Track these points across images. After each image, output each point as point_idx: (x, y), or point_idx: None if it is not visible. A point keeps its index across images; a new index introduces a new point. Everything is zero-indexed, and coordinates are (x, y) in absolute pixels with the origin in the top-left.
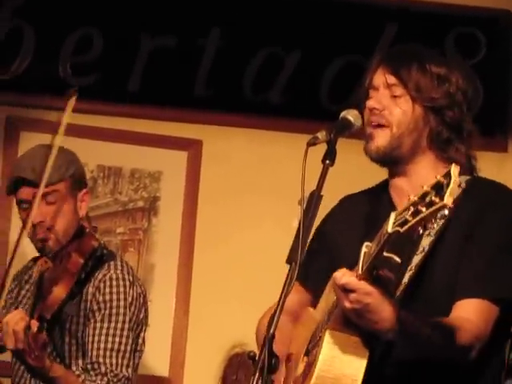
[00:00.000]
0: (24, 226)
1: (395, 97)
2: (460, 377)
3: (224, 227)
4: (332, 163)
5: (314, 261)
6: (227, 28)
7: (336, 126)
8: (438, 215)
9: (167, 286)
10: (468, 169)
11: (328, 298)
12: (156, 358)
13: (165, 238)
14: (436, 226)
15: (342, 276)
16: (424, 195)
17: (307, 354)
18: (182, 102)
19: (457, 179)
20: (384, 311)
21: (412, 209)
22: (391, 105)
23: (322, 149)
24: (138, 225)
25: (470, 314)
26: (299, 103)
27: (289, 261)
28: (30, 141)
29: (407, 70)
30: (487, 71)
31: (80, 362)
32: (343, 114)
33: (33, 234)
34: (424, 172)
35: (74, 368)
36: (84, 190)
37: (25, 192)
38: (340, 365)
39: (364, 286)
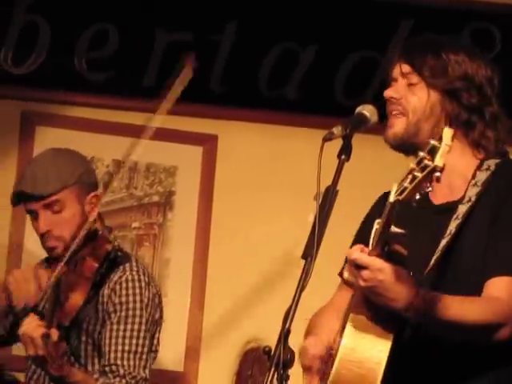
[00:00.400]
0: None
1: (411, 85)
2: (493, 355)
3: (239, 222)
4: (348, 158)
5: None
6: (243, 23)
7: (352, 121)
8: (432, 177)
9: (182, 280)
10: (497, 153)
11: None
12: (171, 352)
13: (180, 233)
14: (464, 208)
15: (353, 252)
16: (420, 161)
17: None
18: (198, 97)
19: (448, 141)
20: (399, 288)
21: (410, 176)
22: (408, 93)
23: (337, 144)
24: (153, 219)
25: (500, 291)
26: (314, 99)
27: (304, 256)
28: (45, 135)
29: (421, 57)
30: (502, 66)
31: (95, 360)
32: (359, 109)
33: (42, 243)
34: (449, 158)
35: (89, 368)
36: (92, 194)
37: (28, 205)
38: (363, 348)
39: (375, 261)
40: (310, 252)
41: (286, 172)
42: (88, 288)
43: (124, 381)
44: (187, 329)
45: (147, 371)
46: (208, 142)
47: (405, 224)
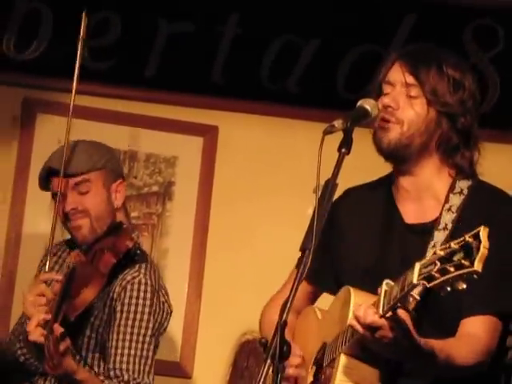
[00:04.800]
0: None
1: (411, 97)
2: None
3: (238, 213)
4: (348, 152)
5: (316, 255)
6: (245, 15)
7: (353, 115)
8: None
9: (180, 270)
10: (470, 174)
11: (339, 313)
12: (167, 343)
13: (179, 223)
14: (441, 236)
15: (366, 315)
16: (452, 253)
17: (316, 363)
18: (199, 87)
19: (486, 243)
20: (407, 342)
21: (439, 265)
22: (406, 105)
23: (338, 138)
24: (153, 209)
25: (478, 330)
26: (316, 92)
27: (302, 248)
28: (46, 123)
29: (426, 71)
30: (505, 63)
31: (96, 355)
32: (360, 102)
33: (66, 222)
34: (428, 174)
35: (88, 361)
36: (119, 181)
37: (55, 183)
38: None
39: (387, 323)
40: (307, 244)
41: (286, 164)
42: (101, 285)
43: None
44: (184, 319)
45: (151, 377)
46: (208, 133)
47: (373, 236)
